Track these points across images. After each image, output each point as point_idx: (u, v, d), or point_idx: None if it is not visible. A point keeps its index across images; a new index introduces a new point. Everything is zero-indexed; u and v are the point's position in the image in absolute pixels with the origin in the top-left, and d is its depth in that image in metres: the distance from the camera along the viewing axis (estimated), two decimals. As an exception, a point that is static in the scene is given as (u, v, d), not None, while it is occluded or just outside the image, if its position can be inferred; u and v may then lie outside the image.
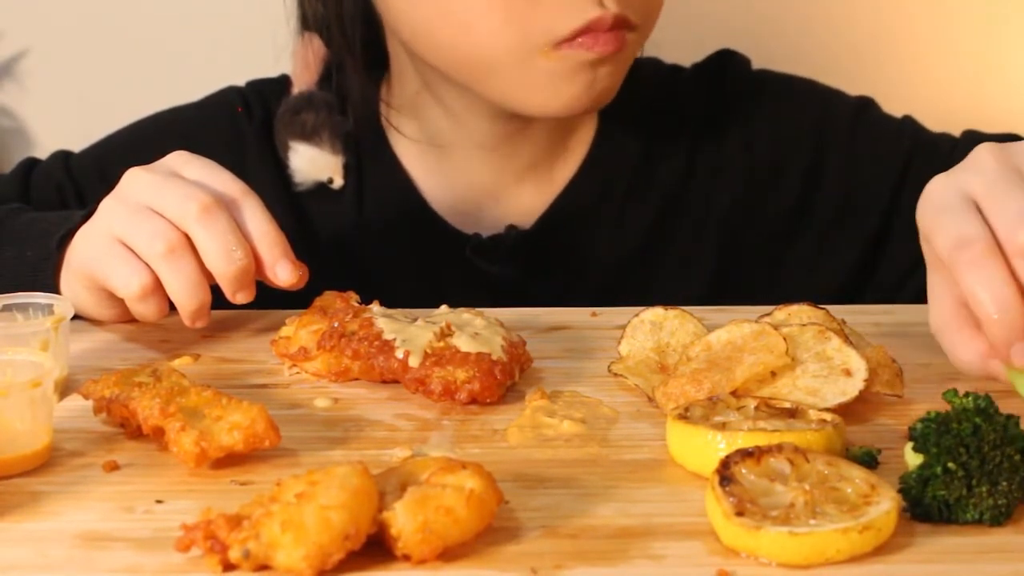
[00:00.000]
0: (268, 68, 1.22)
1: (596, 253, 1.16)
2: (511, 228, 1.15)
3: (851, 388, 0.77)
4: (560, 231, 1.16)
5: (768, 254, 1.17)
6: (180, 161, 0.92)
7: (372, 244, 1.16)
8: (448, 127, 1.14)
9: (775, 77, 1.23)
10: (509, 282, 1.14)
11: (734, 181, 1.18)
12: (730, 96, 1.20)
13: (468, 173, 1.16)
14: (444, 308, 0.89)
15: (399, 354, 0.81)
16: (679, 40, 1.14)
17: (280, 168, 1.15)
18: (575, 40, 1.01)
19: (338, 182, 1.15)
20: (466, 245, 1.14)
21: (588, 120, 1.18)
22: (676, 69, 1.24)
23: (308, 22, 1.18)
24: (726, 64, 1.23)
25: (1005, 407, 0.67)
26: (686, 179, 1.18)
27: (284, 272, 0.90)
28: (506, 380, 0.81)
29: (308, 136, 1.14)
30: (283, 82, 1.19)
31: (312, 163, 1.14)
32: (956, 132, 1.21)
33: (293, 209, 1.14)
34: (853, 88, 1.25)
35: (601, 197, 1.17)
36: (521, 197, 1.17)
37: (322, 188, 1.15)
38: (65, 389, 0.84)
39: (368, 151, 1.17)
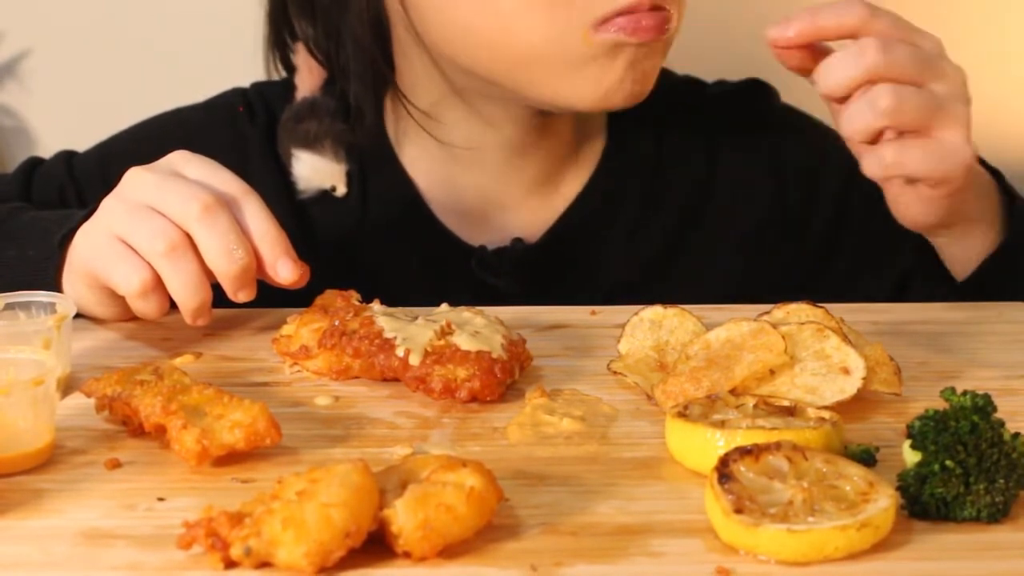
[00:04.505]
0: (271, 70, 1.22)
1: (604, 269, 1.16)
2: (517, 241, 1.14)
3: (849, 386, 0.77)
4: (567, 246, 1.15)
5: (789, 286, 1.17)
6: (181, 160, 0.93)
7: (376, 253, 1.15)
8: (470, 134, 1.13)
9: (806, 115, 1.24)
10: (514, 295, 1.13)
11: (757, 207, 1.18)
12: (759, 120, 1.21)
13: (476, 184, 1.15)
14: (444, 307, 0.89)
15: (400, 352, 0.82)
16: (677, 41, 1.14)
17: (283, 174, 1.15)
18: (614, 21, 0.99)
19: (341, 190, 1.14)
20: (471, 256, 1.14)
21: (597, 133, 1.17)
22: (693, 81, 1.24)
23: (286, 39, 1.17)
24: (758, 92, 1.23)
25: (1003, 406, 0.68)
26: (704, 197, 1.18)
27: (285, 270, 0.90)
28: (506, 378, 0.82)
29: (311, 144, 1.13)
30: (287, 85, 1.18)
31: (315, 171, 1.13)
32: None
33: (296, 215, 1.13)
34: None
35: (610, 212, 1.16)
36: (528, 210, 1.16)
37: (326, 195, 1.15)
38: (67, 387, 0.84)
39: (373, 159, 1.16)
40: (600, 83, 1.02)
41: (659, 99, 1.18)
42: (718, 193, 1.18)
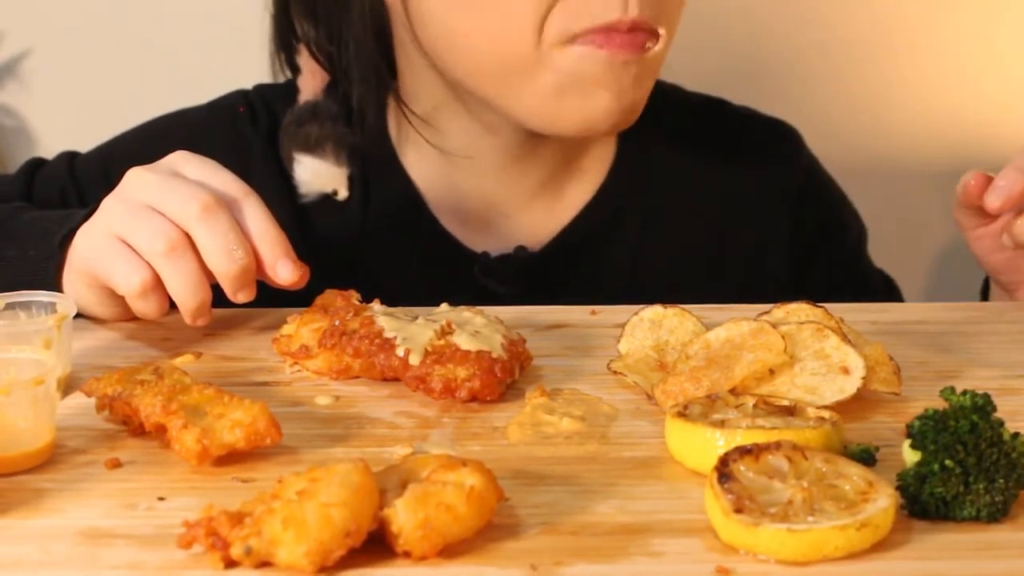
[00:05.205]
0: (278, 71, 1.22)
1: (607, 281, 1.16)
2: (520, 249, 1.14)
3: (849, 386, 0.77)
4: (571, 256, 1.15)
5: None
6: (181, 160, 0.93)
7: (377, 256, 1.15)
8: (470, 139, 1.13)
9: (830, 176, 1.27)
10: (516, 302, 1.13)
11: (769, 239, 1.19)
12: (785, 161, 1.23)
13: (479, 189, 1.15)
14: (444, 306, 0.89)
15: (400, 352, 0.82)
16: (677, 45, 1.14)
17: (285, 176, 1.14)
18: (588, 35, 0.99)
19: (342, 194, 1.14)
20: (473, 262, 1.13)
21: (605, 140, 1.17)
22: (713, 100, 1.25)
23: (291, 42, 1.17)
24: (787, 134, 1.25)
25: (1003, 406, 0.68)
26: (714, 218, 1.18)
27: (285, 271, 0.90)
28: (506, 378, 0.82)
29: (312, 148, 1.13)
30: (290, 87, 1.18)
31: (316, 175, 1.13)
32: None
33: (298, 218, 1.13)
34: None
35: (617, 225, 1.16)
36: (531, 216, 1.16)
37: (327, 199, 1.14)
38: (68, 387, 0.84)
39: (375, 163, 1.15)
40: (583, 110, 1.03)
41: (674, 113, 1.18)
42: (730, 217, 1.19)
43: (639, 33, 1.01)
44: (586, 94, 1.02)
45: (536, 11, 1.00)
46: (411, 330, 0.83)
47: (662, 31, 1.02)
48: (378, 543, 0.62)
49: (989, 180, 0.96)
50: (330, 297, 0.91)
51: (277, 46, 1.19)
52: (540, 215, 1.16)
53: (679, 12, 1.06)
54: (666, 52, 1.05)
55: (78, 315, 0.91)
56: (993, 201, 0.95)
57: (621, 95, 1.02)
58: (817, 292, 1.17)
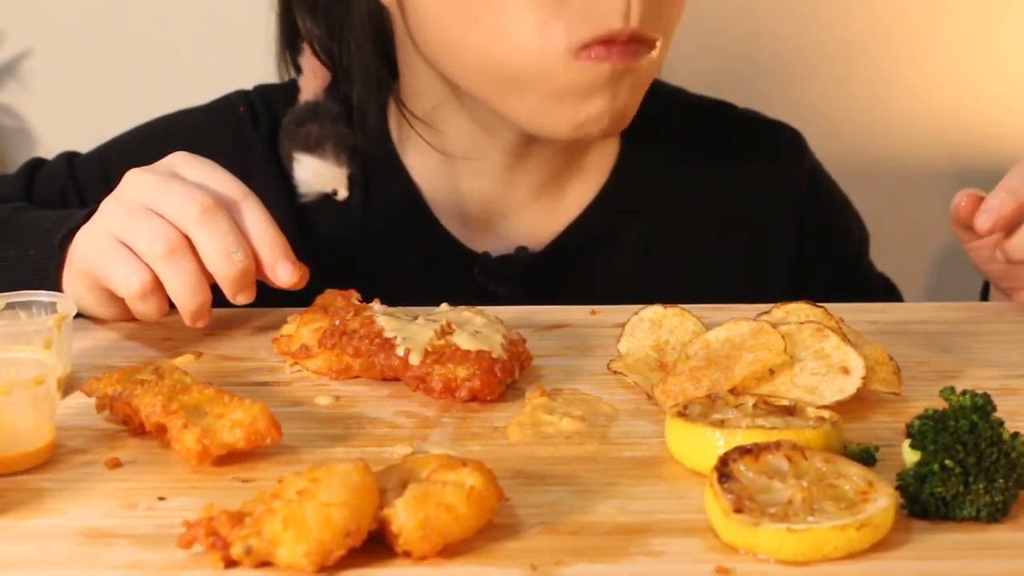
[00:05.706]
0: (283, 71, 1.22)
1: (608, 283, 1.16)
2: (521, 249, 1.14)
3: (849, 386, 0.77)
4: (572, 257, 1.15)
5: None
6: (180, 161, 0.92)
7: (377, 257, 1.15)
8: (469, 139, 1.13)
9: (833, 181, 1.27)
10: (516, 303, 1.13)
11: (772, 243, 1.19)
12: (789, 166, 1.23)
13: (479, 189, 1.15)
14: (445, 306, 0.89)
15: (400, 352, 0.82)
16: (677, 46, 1.14)
17: (285, 177, 1.14)
18: (592, 48, 0.99)
19: (342, 194, 1.14)
20: (473, 263, 1.13)
21: (607, 141, 1.17)
22: (716, 102, 1.25)
23: (296, 40, 1.17)
24: (793, 138, 1.25)
25: (1003, 405, 0.68)
26: (717, 221, 1.18)
27: (284, 272, 0.90)
28: (506, 378, 0.82)
29: (312, 148, 1.12)
30: (291, 88, 1.18)
31: (316, 175, 1.13)
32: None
33: (298, 218, 1.13)
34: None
35: (619, 227, 1.16)
36: (532, 217, 1.15)
37: (328, 199, 1.14)
38: (68, 387, 0.84)
39: (376, 163, 1.15)
40: (577, 116, 1.03)
41: (677, 115, 1.18)
42: (731, 219, 1.19)
43: (636, 43, 1.00)
44: (581, 100, 1.02)
45: (537, 20, 0.99)
46: (411, 330, 0.83)
47: (659, 40, 1.02)
48: (378, 543, 0.63)
49: (980, 200, 0.96)
50: (330, 297, 0.91)
51: (283, 44, 1.19)
52: (541, 216, 1.16)
53: (678, 19, 1.06)
54: (663, 58, 1.05)
55: (78, 315, 0.91)
56: (983, 223, 0.95)
57: (615, 101, 1.02)
58: (817, 294, 1.17)
